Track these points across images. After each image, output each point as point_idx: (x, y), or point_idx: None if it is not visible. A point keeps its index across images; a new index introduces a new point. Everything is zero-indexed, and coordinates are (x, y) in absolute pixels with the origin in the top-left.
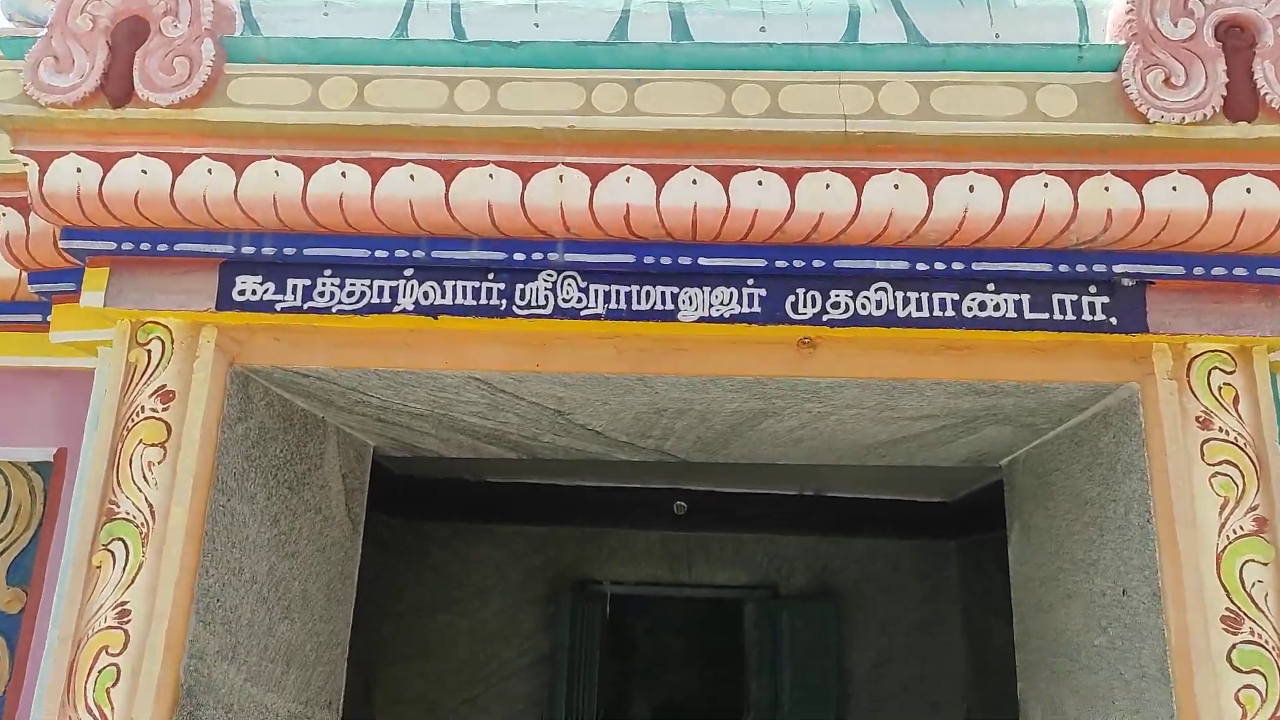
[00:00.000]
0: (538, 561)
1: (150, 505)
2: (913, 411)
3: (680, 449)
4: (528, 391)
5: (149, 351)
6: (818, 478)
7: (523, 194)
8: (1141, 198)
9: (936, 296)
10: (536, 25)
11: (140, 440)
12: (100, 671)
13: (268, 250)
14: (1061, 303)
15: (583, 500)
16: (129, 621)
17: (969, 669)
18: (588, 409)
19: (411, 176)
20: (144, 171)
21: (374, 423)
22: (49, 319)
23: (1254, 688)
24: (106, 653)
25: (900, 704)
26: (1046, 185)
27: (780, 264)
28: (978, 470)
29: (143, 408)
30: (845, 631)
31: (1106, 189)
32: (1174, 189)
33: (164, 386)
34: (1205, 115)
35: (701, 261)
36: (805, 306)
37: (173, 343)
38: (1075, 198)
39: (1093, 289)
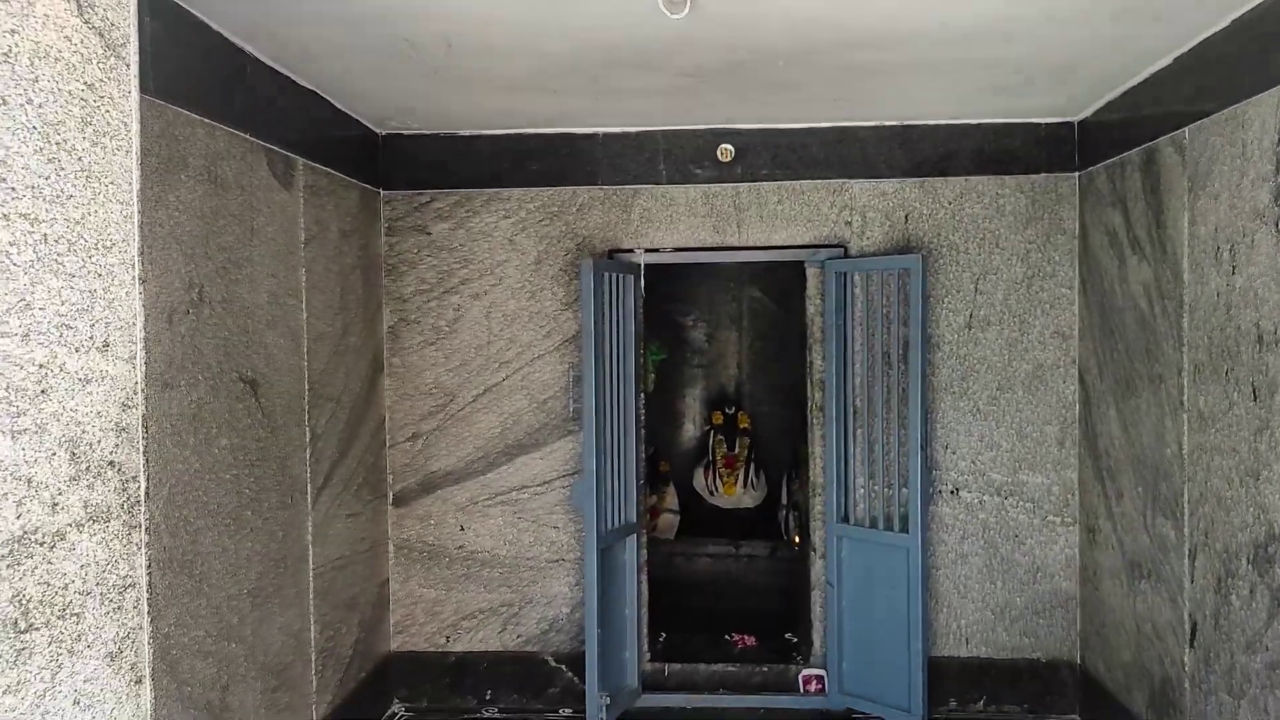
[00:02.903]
0: (556, 230)
1: None
2: None
3: None
4: None
5: None
6: (900, 102)
7: None
8: None
9: None
10: None
11: None
12: None
13: None
14: None
15: (605, 151)
16: None
17: (1086, 327)
18: None
19: None
20: None
21: None
22: None
23: None
24: None
25: (996, 372)
26: None
27: None
28: (1122, 71)
29: None
30: (930, 291)
31: None
32: None
33: None
34: None
35: None
36: None
37: None
38: None
39: None
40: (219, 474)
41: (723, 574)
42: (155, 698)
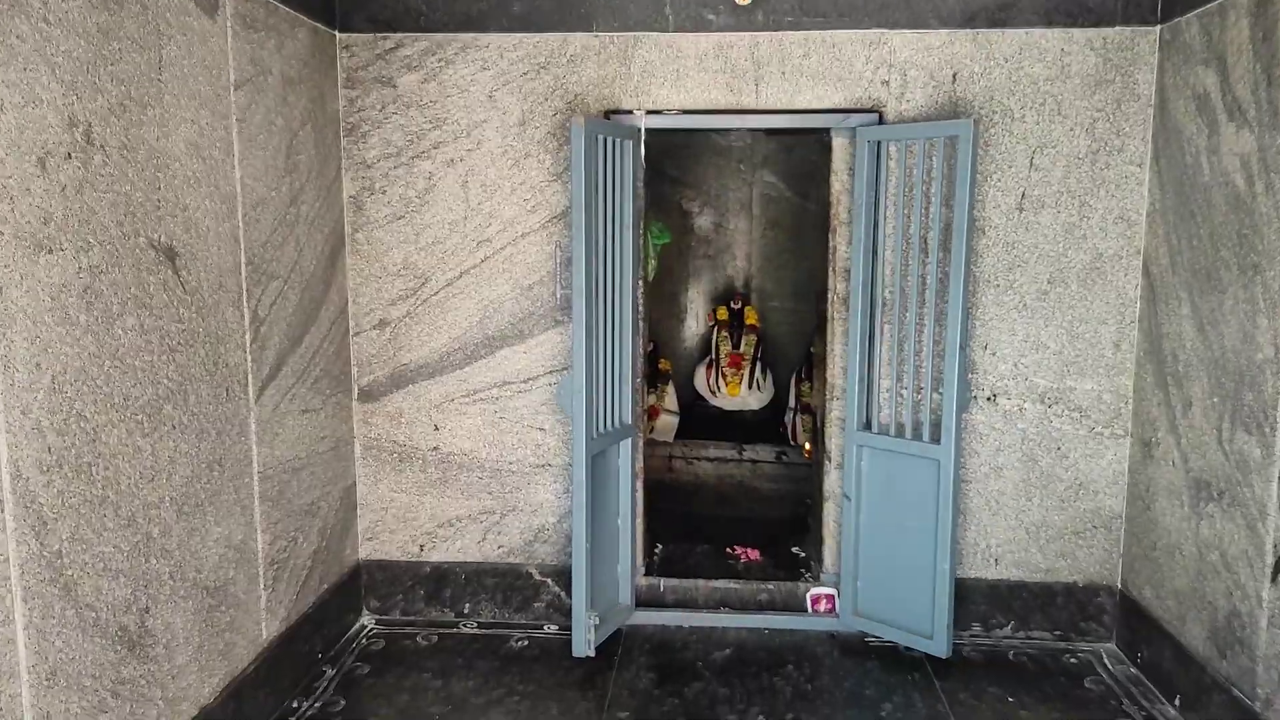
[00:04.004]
0: (543, 85)
1: None
2: None
3: None
4: None
5: None
6: None
7: None
8: None
9: None
10: None
11: None
12: None
13: None
14: None
15: None
16: None
17: (1158, 210)
18: None
19: None
20: None
21: None
22: None
23: None
24: None
25: (1049, 262)
26: None
27: None
28: None
29: None
30: (977, 166)
31: None
32: None
33: None
34: None
35: None
36: None
37: None
38: None
39: None
40: (125, 360)
41: (725, 479)
42: (41, 625)
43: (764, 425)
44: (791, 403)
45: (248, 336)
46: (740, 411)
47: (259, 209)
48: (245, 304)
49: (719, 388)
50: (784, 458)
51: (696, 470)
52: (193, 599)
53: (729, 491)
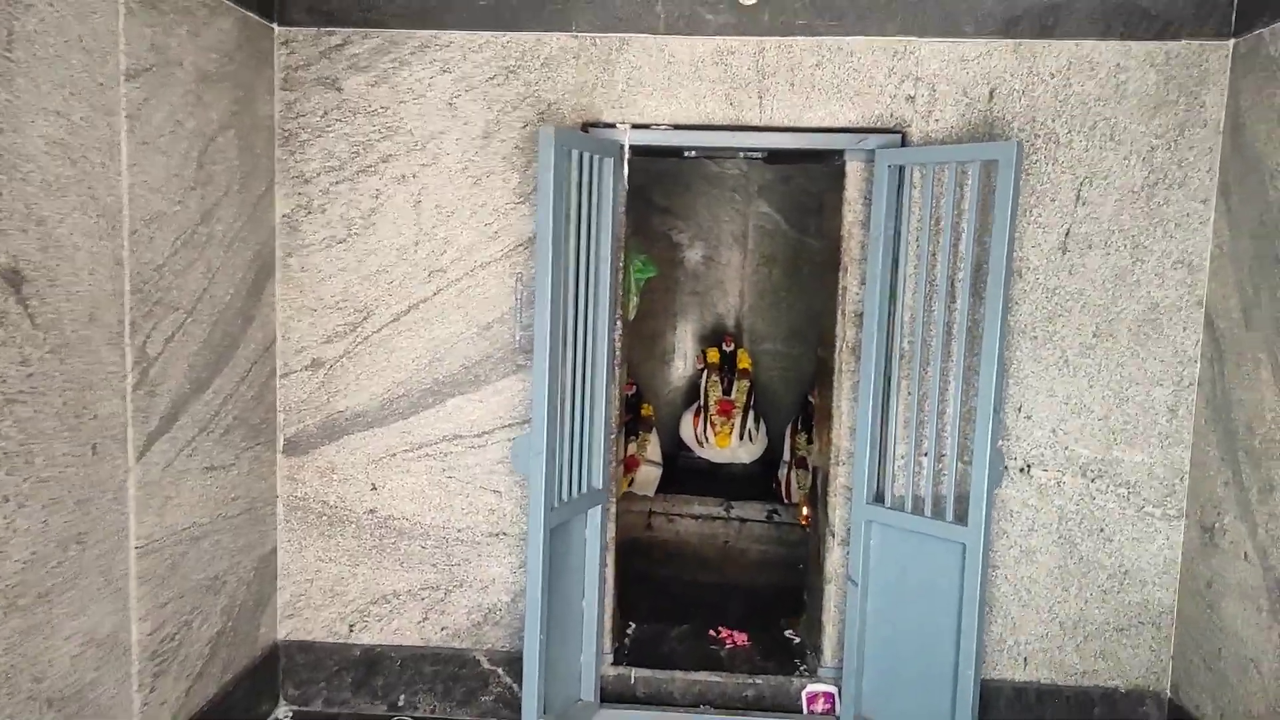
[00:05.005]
0: (512, 92)
1: None
2: None
3: None
4: None
5: None
6: None
7: None
8: None
9: None
10: None
11: None
12: None
13: None
14: None
15: None
16: None
17: (1226, 254)
18: None
19: None
20: None
21: None
22: None
23: None
24: None
25: (1095, 312)
26: None
27: None
28: None
29: None
30: (1018, 194)
31: None
32: None
33: None
34: None
35: None
36: None
37: None
38: None
39: None
40: None
41: (709, 540)
42: None
43: (755, 480)
44: (786, 456)
45: (129, 380)
46: (729, 465)
47: (154, 226)
48: (128, 340)
49: (707, 438)
50: (775, 517)
51: (678, 528)
52: (26, 716)
53: (713, 555)
